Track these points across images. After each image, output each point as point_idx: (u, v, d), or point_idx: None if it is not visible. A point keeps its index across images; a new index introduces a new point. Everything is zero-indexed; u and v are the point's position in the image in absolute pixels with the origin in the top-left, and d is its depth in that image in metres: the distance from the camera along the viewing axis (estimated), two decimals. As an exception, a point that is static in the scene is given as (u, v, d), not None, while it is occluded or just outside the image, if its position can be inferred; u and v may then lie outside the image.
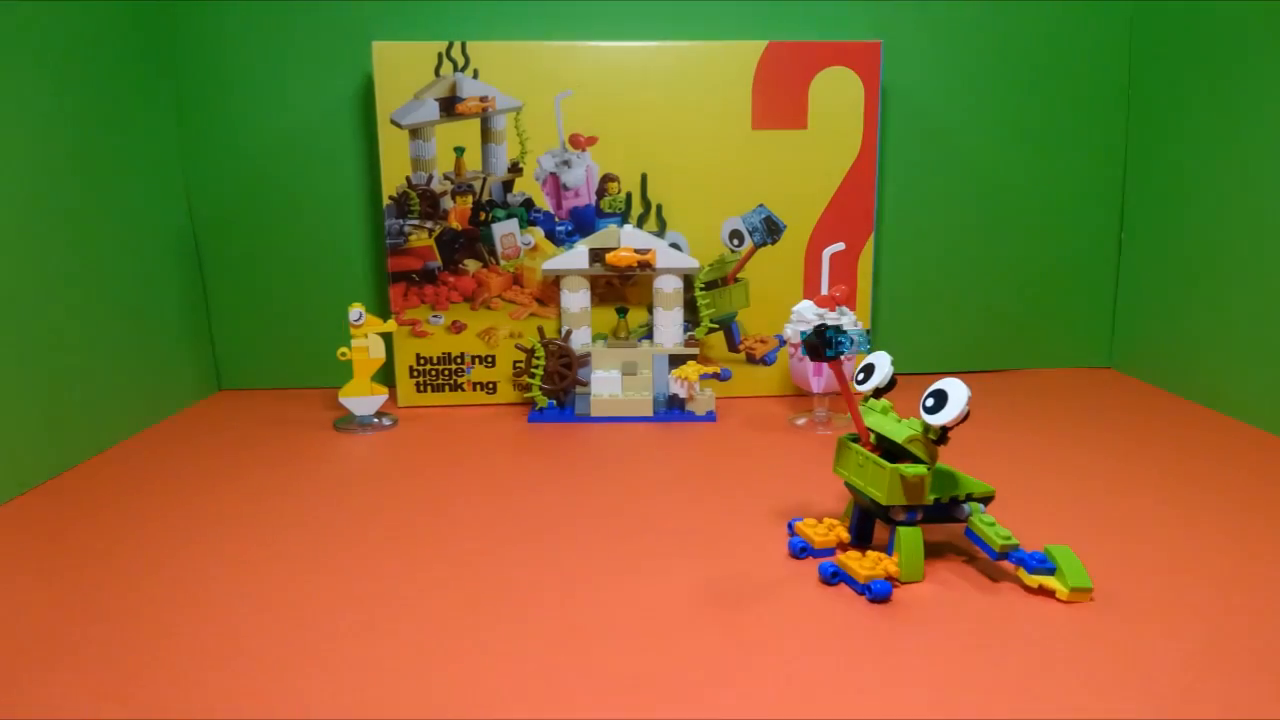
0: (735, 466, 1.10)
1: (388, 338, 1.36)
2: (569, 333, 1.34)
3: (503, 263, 1.38)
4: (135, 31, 1.31)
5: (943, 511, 0.81)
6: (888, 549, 0.81)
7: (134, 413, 1.27)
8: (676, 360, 1.33)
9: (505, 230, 1.37)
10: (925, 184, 1.50)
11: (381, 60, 1.31)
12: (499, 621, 0.73)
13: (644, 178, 1.37)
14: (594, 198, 1.37)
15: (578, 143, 1.35)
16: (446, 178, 1.35)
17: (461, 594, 0.78)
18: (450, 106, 1.33)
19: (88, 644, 0.70)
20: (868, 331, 1.31)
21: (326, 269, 1.48)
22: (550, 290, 1.38)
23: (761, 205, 1.31)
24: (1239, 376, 1.27)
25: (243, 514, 0.97)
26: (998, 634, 0.70)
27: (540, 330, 1.34)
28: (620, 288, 1.39)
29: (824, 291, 1.28)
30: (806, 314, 1.23)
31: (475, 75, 1.32)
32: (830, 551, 0.84)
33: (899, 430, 0.79)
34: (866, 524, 0.85)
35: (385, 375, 1.39)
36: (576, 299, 1.34)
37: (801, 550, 0.84)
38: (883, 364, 0.83)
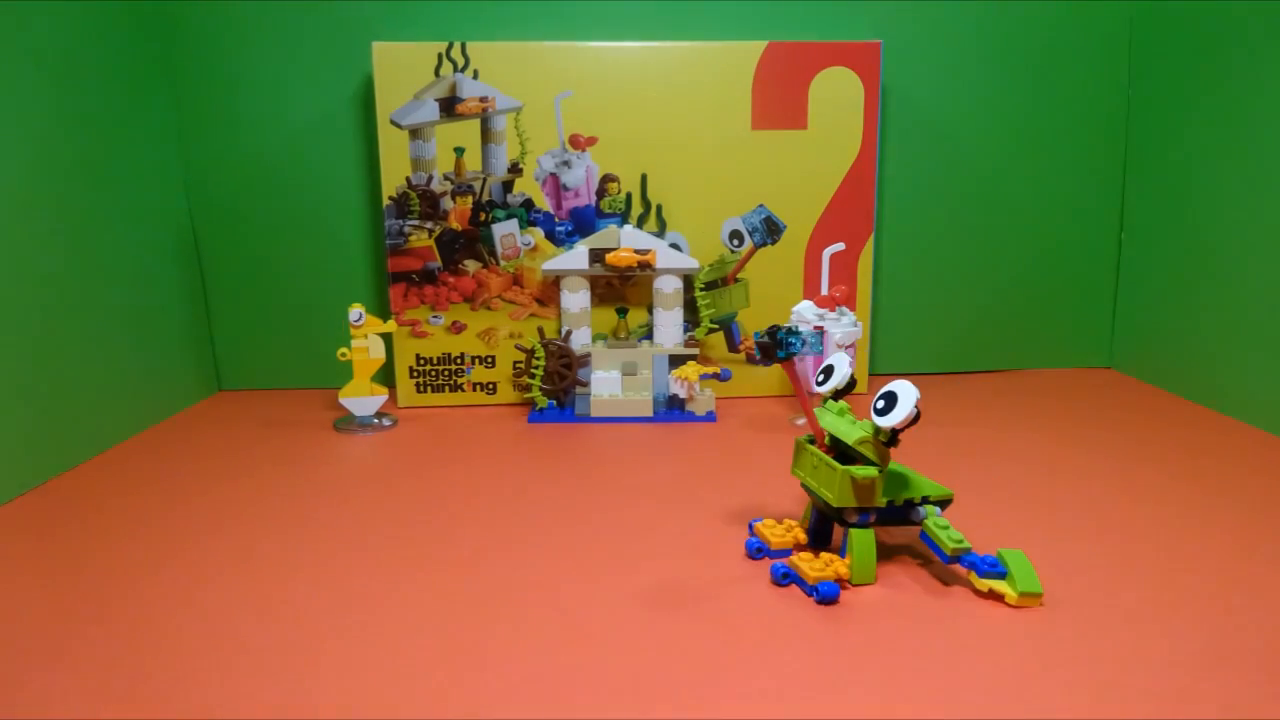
0: (735, 467, 1.10)
1: (388, 338, 1.36)
2: (569, 333, 1.34)
3: (503, 263, 1.38)
4: (135, 31, 1.31)
5: (897, 514, 0.81)
6: (841, 551, 0.80)
7: (134, 413, 1.27)
8: (676, 360, 1.33)
9: (505, 230, 1.37)
10: (925, 184, 1.50)
11: (381, 60, 1.31)
12: (499, 622, 0.73)
13: (644, 178, 1.37)
14: (594, 198, 1.37)
15: (578, 143, 1.35)
16: (446, 178, 1.35)
17: (462, 594, 0.78)
18: (450, 107, 1.33)
19: (87, 644, 0.70)
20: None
21: (326, 269, 1.48)
22: (550, 290, 1.38)
23: (761, 205, 1.31)
24: (1239, 376, 1.27)
25: (242, 514, 0.97)
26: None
27: (540, 330, 1.34)
28: (620, 288, 1.39)
29: (824, 291, 1.28)
30: (806, 314, 1.23)
31: (475, 75, 1.32)
32: (787, 553, 0.83)
33: (851, 432, 0.78)
34: (824, 526, 0.85)
35: (385, 376, 1.39)
36: (576, 299, 1.34)
37: (758, 551, 0.84)
38: (841, 366, 0.83)
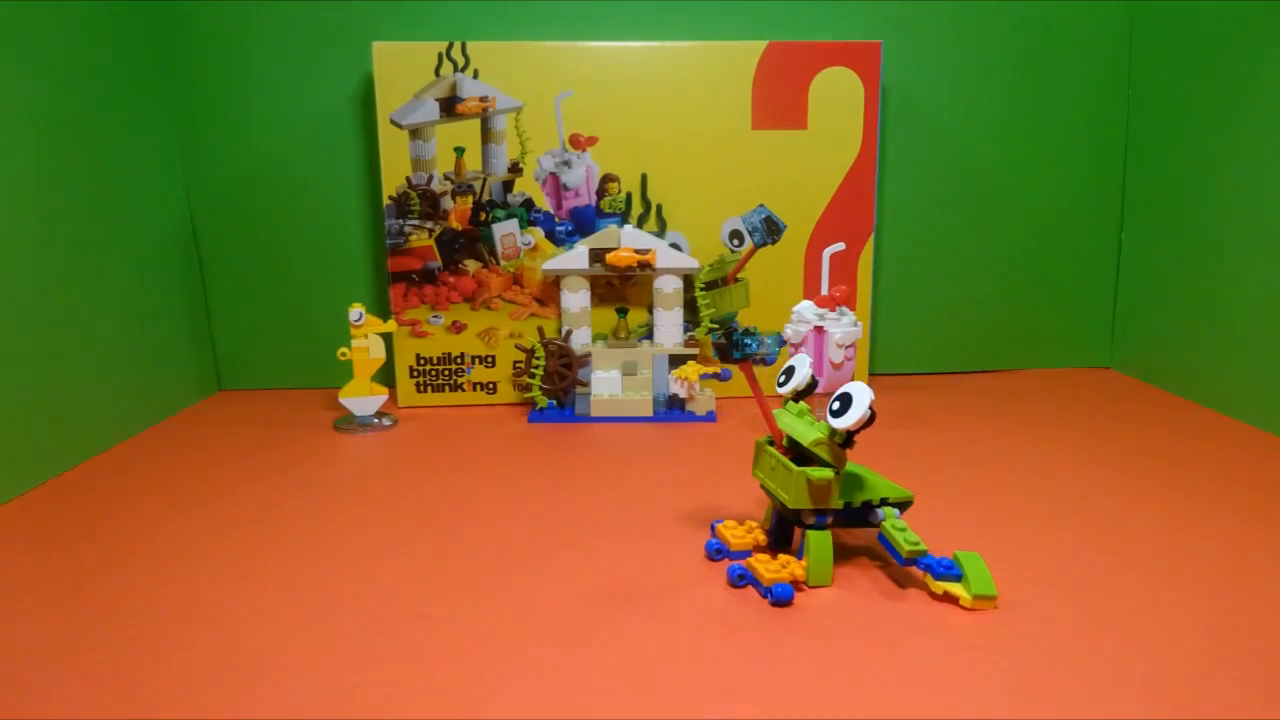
0: (735, 466, 1.10)
1: (388, 338, 1.36)
2: (569, 333, 1.34)
3: (503, 263, 1.38)
4: (135, 31, 1.31)
5: (856, 516, 0.81)
6: (798, 553, 0.80)
7: (134, 413, 1.27)
8: (676, 360, 1.33)
9: (505, 230, 1.37)
10: (925, 184, 1.50)
11: (381, 60, 1.31)
12: (499, 621, 0.73)
13: (644, 178, 1.37)
14: (594, 198, 1.37)
15: (578, 143, 1.35)
16: (446, 178, 1.35)
17: (462, 594, 0.78)
18: (450, 106, 1.33)
19: (87, 644, 0.70)
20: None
21: (326, 269, 1.48)
22: (550, 290, 1.38)
23: (761, 205, 1.31)
24: (1239, 376, 1.27)
25: (242, 514, 0.97)
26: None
27: (540, 330, 1.34)
28: (620, 288, 1.39)
29: (824, 291, 1.28)
30: (806, 314, 1.23)
31: (475, 75, 1.32)
32: (746, 554, 0.83)
33: (807, 433, 0.78)
34: (784, 527, 0.84)
35: (385, 375, 1.39)
36: (576, 299, 1.34)
37: (717, 552, 0.83)
38: (802, 367, 0.82)
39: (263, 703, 0.62)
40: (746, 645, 0.69)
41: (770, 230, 1.31)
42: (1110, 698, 0.62)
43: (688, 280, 1.36)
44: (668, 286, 1.34)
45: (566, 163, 1.35)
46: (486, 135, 1.34)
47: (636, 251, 1.32)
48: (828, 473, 0.77)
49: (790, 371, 0.83)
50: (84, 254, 1.18)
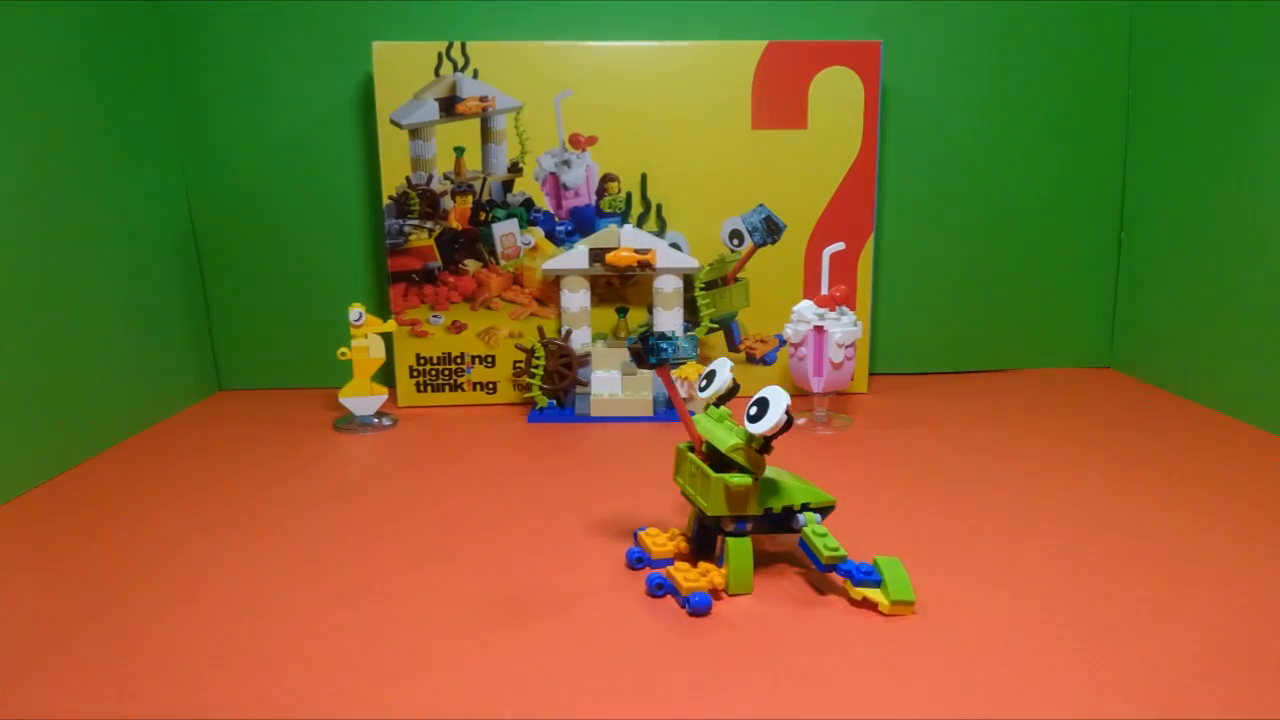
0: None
1: (388, 338, 1.36)
2: (569, 333, 1.34)
3: (503, 263, 1.38)
4: (135, 31, 1.31)
5: (777, 522, 0.79)
6: (719, 560, 0.79)
7: (134, 413, 1.27)
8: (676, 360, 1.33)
9: (505, 230, 1.37)
10: (925, 184, 1.50)
11: (381, 60, 1.31)
12: (499, 621, 0.73)
13: (644, 178, 1.37)
14: (594, 198, 1.37)
15: (578, 143, 1.35)
16: (446, 178, 1.35)
17: (461, 594, 0.78)
18: (450, 106, 1.33)
19: (87, 644, 0.70)
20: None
21: (326, 269, 1.48)
22: (550, 290, 1.38)
23: (761, 205, 1.31)
24: (1239, 376, 1.27)
25: (242, 514, 0.97)
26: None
27: (540, 330, 1.34)
28: (620, 288, 1.39)
29: (824, 291, 1.28)
30: (806, 314, 1.23)
31: (475, 75, 1.32)
32: (668, 562, 0.82)
33: (725, 439, 0.77)
34: (705, 534, 0.83)
35: (385, 375, 1.39)
36: (576, 299, 1.34)
37: (638, 560, 0.82)
38: (723, 371, 0.81)
39: (263, 702, 0.62)
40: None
41: (770, 230, 1.31)
42: (1111, 698, 0.62)
43: (688, 280, 1.36)
44: (668, 286, 1.34)
45: (566, 162, 1.35)
46: (486, 135, 1.34)
47: (636, 251, 1.32)
48: (746, 479, 0.75)
49: (711, 376, 0.82)
50: (84, 254, 1.18)
